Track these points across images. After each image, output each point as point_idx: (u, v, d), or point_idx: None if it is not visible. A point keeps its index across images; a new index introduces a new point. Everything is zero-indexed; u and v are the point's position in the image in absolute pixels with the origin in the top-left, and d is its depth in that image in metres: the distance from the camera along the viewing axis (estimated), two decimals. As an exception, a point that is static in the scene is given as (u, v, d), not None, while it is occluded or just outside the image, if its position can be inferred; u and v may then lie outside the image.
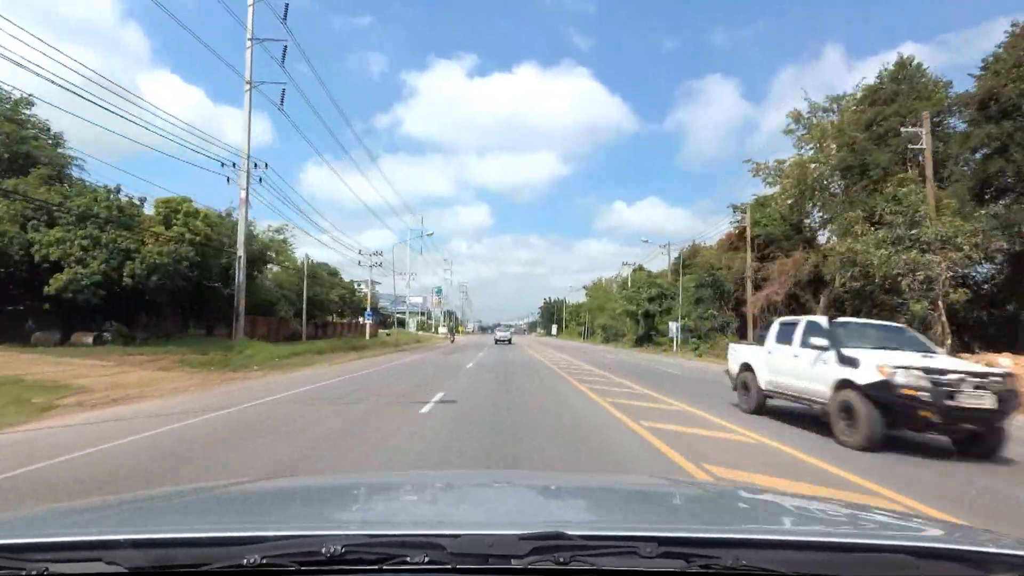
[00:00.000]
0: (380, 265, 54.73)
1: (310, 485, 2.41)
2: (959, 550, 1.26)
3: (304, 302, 37.53)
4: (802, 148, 40.53)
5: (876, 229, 21.09)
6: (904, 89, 31.29)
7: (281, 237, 39.10)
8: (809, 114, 39.44)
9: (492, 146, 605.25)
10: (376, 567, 1.12)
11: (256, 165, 28.56)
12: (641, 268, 75.82)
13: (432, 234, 61.83)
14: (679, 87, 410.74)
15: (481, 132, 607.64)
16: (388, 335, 64.75)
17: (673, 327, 43.36)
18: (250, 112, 28.20)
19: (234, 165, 28.05)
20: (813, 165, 38.63)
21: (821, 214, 42.16)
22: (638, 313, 53.68)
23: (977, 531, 1.71)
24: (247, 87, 28.41)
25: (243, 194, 28.24)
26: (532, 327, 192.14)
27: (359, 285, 61.97)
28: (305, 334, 37.73)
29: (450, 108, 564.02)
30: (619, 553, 1.15)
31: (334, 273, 56.93)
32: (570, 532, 1.18)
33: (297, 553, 1.12)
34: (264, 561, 1.10)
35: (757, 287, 42.57)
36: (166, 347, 21.15)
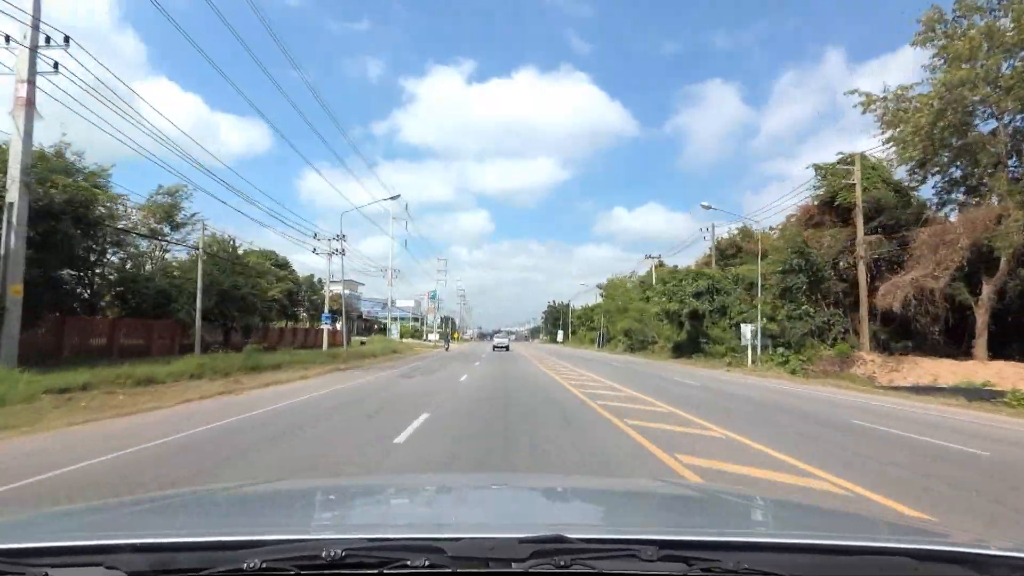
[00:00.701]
0: (343, 253, 41.82)
1: (310, 488, 2.37)
2: (960, 552, 1.22)
3: (199, 296, 24.56)
4: (936, 69, 27.62)
5: None
6: None
7: (170, 201, 25.96)
8: (956, 13, 26.52)
9: (491, 152, 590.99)
10: (376, 571, 1.10)
11: (49, 40, 15.72)
12: (662, 263, 63.98)
13: (399, 196, 49.24)
14: (679, 92, 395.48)
15: (480, 138, 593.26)
16: (363, 343, 52.18)
17: (747, 331, 30.30)
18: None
19: (8, 40, 15.34)
20: (956, 90, 25.72)
21: (961, 167, 29.27)
22: (682, 313, 40.62)
23: (977, 533, 1.70)
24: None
25: (23, 89, 15.44)
26: (533, 333, 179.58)
27: (318, 281, 49.06)
28: (200, 343, 24.69)
29: (449, 114, 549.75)
30: (619, 557, 1.13)
31: (283, 265, 43.93)
32: (570, 535, 1.15)
33: (297, 557, 1.10)
34: (264, 565, 1.08)
35: (874, 272, 29.76)
36: None
